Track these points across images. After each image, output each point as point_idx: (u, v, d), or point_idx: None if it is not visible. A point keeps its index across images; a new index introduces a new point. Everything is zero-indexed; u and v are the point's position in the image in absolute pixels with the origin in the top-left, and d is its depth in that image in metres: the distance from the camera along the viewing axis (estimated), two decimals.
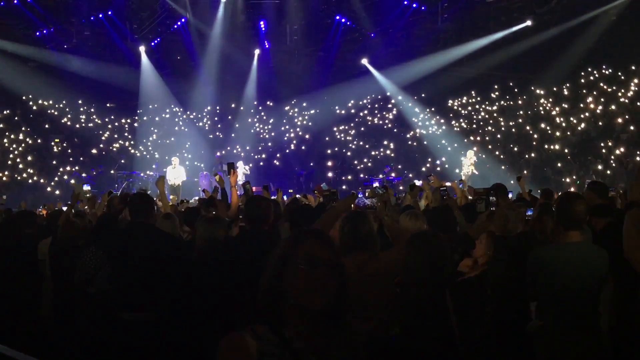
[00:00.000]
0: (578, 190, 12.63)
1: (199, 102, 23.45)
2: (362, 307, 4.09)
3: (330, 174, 21.85)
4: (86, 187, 8.93)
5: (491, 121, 22.27)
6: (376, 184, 16.98)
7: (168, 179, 17.86)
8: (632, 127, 18.81)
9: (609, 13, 19.91)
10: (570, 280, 3.97)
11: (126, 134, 22.84)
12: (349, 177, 21.40)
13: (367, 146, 23.40)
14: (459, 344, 4.47)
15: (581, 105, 20.41)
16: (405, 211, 5.71)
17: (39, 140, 20.68)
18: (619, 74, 20.34)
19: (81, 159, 21.13)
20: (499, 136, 21.62)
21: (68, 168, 20.31)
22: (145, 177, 19.36)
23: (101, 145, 21.89)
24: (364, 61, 23.26)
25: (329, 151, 23.14)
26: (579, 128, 19.96)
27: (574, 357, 3.97)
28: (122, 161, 21.06)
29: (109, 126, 22.61)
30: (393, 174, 19.78)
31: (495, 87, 22.92)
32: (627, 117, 19.16)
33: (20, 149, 19.92)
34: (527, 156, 20.25)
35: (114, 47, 21.75)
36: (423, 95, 23.26)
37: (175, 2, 21.10)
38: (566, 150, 19.44)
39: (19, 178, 19.08)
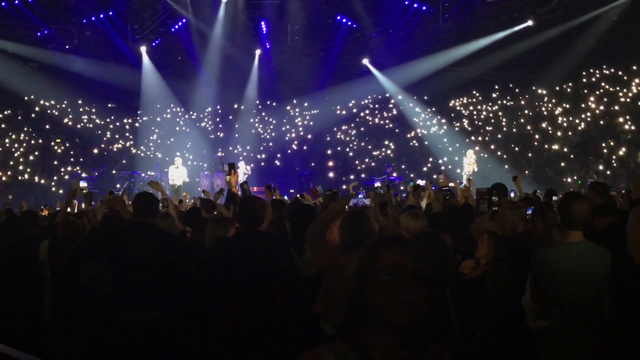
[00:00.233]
0: (579, 190, 12.62)
1: (200, 102, 23.45)
2: None
3: (331, 174, 21.85)
4: (83, 184, 8.90)
5: (492, 121, 22.27)
6: (378, 184, 16.98)
7: (171, 179, 17.88)
8: (632, 127, 18.81)
9: (610, 13, 19.89)
10: (573, 279, 3.97)
11: (127, 134, 22.85)
12: (351, 177, 21.39)
13: (368, 146, 23.41)
14: (460, 344, 4.47)
15: (582, 105, 20.40)
16: (406, 211, 5.71)
17: (40, 141, 20.70)
18: (620, 73, 20.33)
19: (81, 159, 21.14)
20: (500, 136, 21.62)
21: (69, 168, 20.34)
22: (147, 177, 19.37)
23: (102, 146, 21.90)
24: (365, 61, 23.26)
25: (329, 151, 23.15)
26: (580, 128, 19.96)
27: (580, 357, 3.96)
28: (124, 161, 21.07)
29: (111, 126, 22.62)
30: (394, 174, 19.78)
31: (496, 87, 22.92)
32: (627, 117, 19.16)
33: (22, 149, 19.94)
34: (529, 155, 20.24)
35: (115, 47, 21.74)
36: (424, 95, 23.26)
37: (176, 2, 21.10)
38: (565, 150, 19.44)
39: (20, 178, 19.10)
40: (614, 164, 18.21)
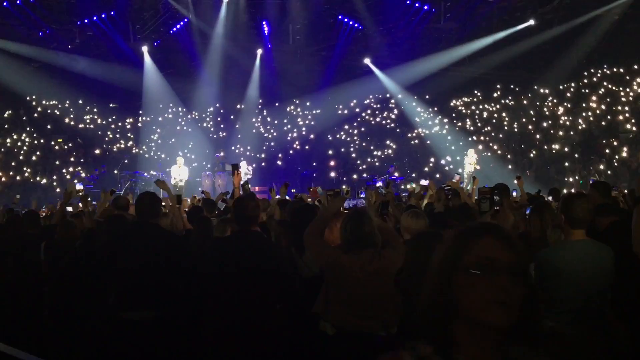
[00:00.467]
0: (581, 190, 12.60)
1: (202, 102, 23.48)
2: (365, 306, 4.10)
3: (332, 174, 21.84)
4: (79, 186, 8.92)
5: (494, 121, 22.25)
6: (379, 184, 16.97)
7: (173, 178, 17.90)
8: (634, 128, 18.78)
9: (611, 12, 19.87)
10: (577, 277, 3.96)
11: (129, 134, 22.87)
12: (354, 177, 21.38)
13: (370, 146, 23.40)
14: None
15: (584, 104, 20.38)
16: (407, 210, 5.71)
17: (42, 141, 20.72)
18: (622, 72, 20.30)
19: (82, 160, 21.16)
20: (501, 136, 21.60)
21: (71, 169, 20.35)
22: (149, 177, 19.38)
23: (104, 146, 21.93)
24: (367, 61, 23.25)
25: (331, 151, 23.14)
26: (582, 127, 19.94)
27: (585, 358, 3.94)
28: (126, 161, 21.08)
29: (112, 126, 22.64)
30: (396, 174, 19.76)
31: (498, 86, 22.90)
32: (627, 116, 19.13)
33: (24, 149, 19.97)
34: (531, 155, 20.21)
35: (116, 47, 21.74)
36: (426, 94, 23.26)
37: (177, 2, 21.09)
38: (566, 149, 19.42)
39: (18, 179, 19.10)
40: (616, 164, 18.18)
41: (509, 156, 20.72)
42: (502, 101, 22.59)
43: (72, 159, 20.80)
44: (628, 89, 19.73)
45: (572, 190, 13.39)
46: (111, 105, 23.01)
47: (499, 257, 1.59)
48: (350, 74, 23.68)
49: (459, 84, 22.85)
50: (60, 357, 5.55)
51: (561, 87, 21.51)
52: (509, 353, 1.62)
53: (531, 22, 20.51)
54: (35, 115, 21.37)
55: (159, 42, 22.31)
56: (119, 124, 22.90)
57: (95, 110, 22.46)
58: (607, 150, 18.62)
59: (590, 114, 20.00)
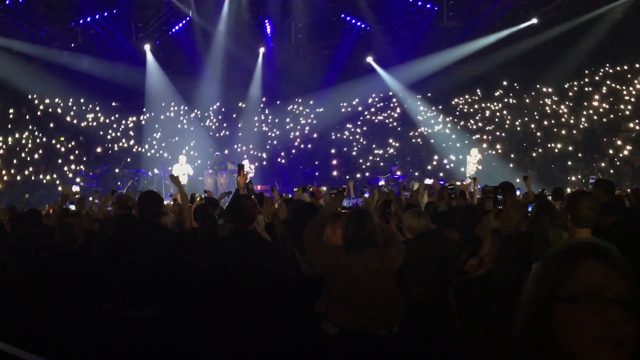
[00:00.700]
0: (583, 189, 12.58)
1: (204, 101, 23.50)
2: (367, 305, 4.09)
3: (335, 173, 21.84)
4: (75, 188, 8.94)
5: (496, 119, 22.22)
6: (382, 183, 16.96)
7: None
8: (637, 127, 18.75)
9: (614, 11, 19.84)
10: None
11: (131, 133, 22.88)
12: (357, 176, 21.36)
13: (372, 145, 23.38)
14: (463, 344, 4.45)
15: (586, 103, 20.35)
16: (409, 209, 5.70)
17: (44, 139, 20.73)
18: (625, 70, 20.26)
19: (84, 159, 21.17)
20: (504, 134, 21.57)
21: (73, 167, 20.37)
22: (151, 175, 19.39)
23: (107, 144, 21.95)
24: (370, 59, 23.22)
25: (334, 150, 23.13)
26: (584, 126, 19.91)
27: None
28: (128, 160, 21.10)
29: (115, 125, 22.66)
30: (398, 172, 19.75)
31: (501, 85, 22.86)
32: (629, 114, 19.09)
33: (27, 148, 19.99)
34: (534, 154, 20.18)
35: (119, 46, 21.77)
36: (429, 93, 23.23)
37: (179, 0, 21.11)
38: (570, 148, 19.39)
39: (18, 178, 19.12)
40: (618, 163, 18.16)
41: (512, 155, 20.69)
42: (505, 100, 22.56)
43: (72, 157, 20.77)
44: (631, 88, 19.70)
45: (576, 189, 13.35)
46: (113, 103, 23.03)
47: (607, 284, 1.33)
48: (353, 73, 23.67)
49: (461, 83, 22.82)
50: (63, 356, 5.55)
51: (564, 86, 21.48)
52: None
53: (534, 20, 20.47)
54: (38, 113, 21.38)
55: (161, 41, 22.32)
56: (122, 122, 22.91)
57: (97, 108, 22.46)
58: (610, 150, 18.58)
59: (593, 112, 19.96)
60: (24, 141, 20.10)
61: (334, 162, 22.59)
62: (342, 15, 22.37)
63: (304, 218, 5.11)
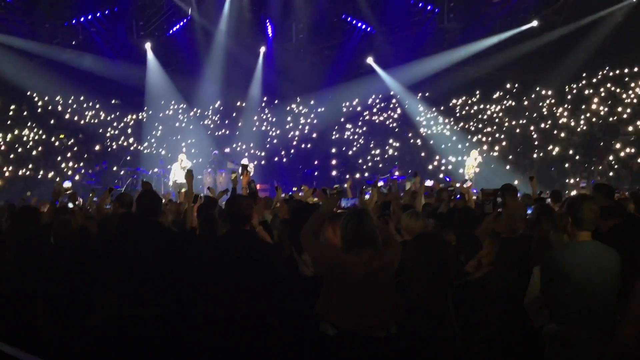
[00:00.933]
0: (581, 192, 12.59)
1: (204, 100, 23.49)
2: (365, 305, 4.10)
3: (334, 173, 21.84)
4: (67, 184, 8.93)
5: (496, 121, 22.23)
6: (381, 183, 16.96)
7: (173, 174, 17.91)
8: (633, 129, 18.76)
9: (615, 14, 19.84)
10: (585, 278, 3.96)
11: (131, 131, 22.88)
12: (357, 176, 21.36)
13: (371, 145, 23.38)
14: (461, 346, 4.47)
15: (585, 106, 20.35)
16: (407, 210, 5.71)
17: (44, 136, 20.73)
18: (626, 73, 20.26)
19: (86, 155, 21.17)
20: (503, 136, 21.58)
21: (71, 164, 20.36)
22: (150, 173, 19.39)
23: (106, 142, 21.96)
24: (370, 60, 23.23)
25: (334, 150, 23.13)
26: (583, 129, 19.92)
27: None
28: (128, 158, 21.08)
29: (114, 123, 22.66)
30: (397, 173, 19.76)
31: (501, 87, 22.87)
32: (627, 117, 19.10)
33: (29, 145, 19.99)
34: (534, 157, 20.17)
35: (120, 44, 21.77)
36: (428, 94, 23.24)
37: None
38: (571, 152, 19.40)
39: (20, 173, 19.12)
40: (616, 166, 18.17)
41: (510, 157, 20.69)
42: (505, 102, 22.56)
43: (68, 155, 20.73)
44: (630, 91, 19.71)
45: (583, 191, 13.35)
46: (114, 101, 23.02)
47: None
48: (353, 73, 23.66)
49: (461, 84, 22.79)
50: (63, 354, 5.56)
51: (563, 89, 21.48)
52: None
53: (534, 23, 20.49)
54: (39, 110, 21.37)
55: (162, 39, 22.31)
56: (122, 120, 22.90)
57: (97, 106, 22.45)
58: (611, 158, 18.57)
59: (592, 115, 19.96)
60: (24, 138, 20.09)
61: (334, 162, 22.59)
62: (343, 16, 22.37)
63: (302, 218, 5.12)
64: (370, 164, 22.70)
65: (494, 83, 22.87)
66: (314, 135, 23.80)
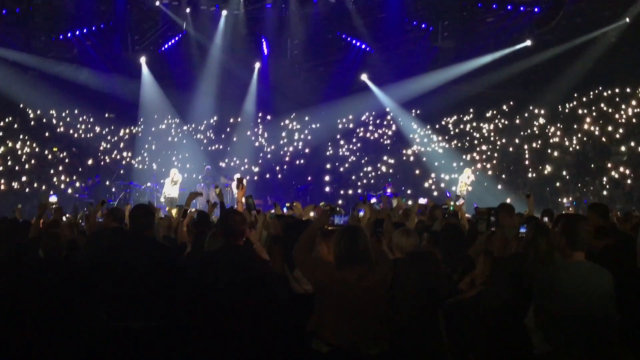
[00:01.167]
0: (575, 211, 12.60)
1: (198, 114, 23.46)
2: (358, 321, 4.07)
3: (327, 189, 21.81)
4: (53, 198, 8.91)
5: (490, 139, 22.29)
6: (374, 200, 16.93)
7: (165, 191, 17.82)
8: (625, 149, 18.86)
9: (608, 35, 20.04)
10: (579, 298, 3.93)
11: (125, 145, 22.81)
12: (349, 192, 21.33)
13: (364, 161, 23.38)
14: None
15: (577, 126, 20.45)
16: (399, 228, 5.69)
17: (37, 149, 20.65)
18: (617, 94, 20.40)
19: (80, 169, 21.08)
20: (496, 155, 21.63)
21: (62, 177, 20.24)
22: (143, 188, 19.30)
23: (100, 156, 21.88)
24: (364, 77, 23.32)
25: (328, 166, 23.11)
26: (575, 149, 20.00)
27: None
28: (121, 172, 21.00)
29: (108, 137, 22.60)
30: (389, 190, 19.75)
31: (494, 105, 22.96)
32: (619, 137, 19.21)
33: (21, 157, 19.91)
34: (529, 176, 20.19)
35: (114, 57, 21.79)
36: (421, 112, 23.29)
37: (176, 14, 21.18)
38: (564, 173, 19.45)
39: (15, 187, 19.01)
40: (608, 186, 18.23)
41: (503, 176, 20.72)
42: (497, 121, 22.64)
43: (61, 168, 20.61)
44: (622, 111, 19.83)
45: (569, 211, 13.34)
46: (107, 115, 22.98)
47: None
48: (348, 90, 23.73)
49: (455, 102, 22.89)
50: None
51: (556, 108, 21.59)
52: None
53: (528, 42, 20.67)
54: (32, 123, 21.32)
55: (157, 54, 22.35)
56: (115, 134, 22.84)
57: (91, 120, 22.41)
58: (605, 178, 18.61)
59: (583, 135, 20.06)
60: (19, 151, 20.00)
61: (327, 178, 22.57)
62: (338, 33, 22.48)
63: (294, 234, 5.09)
64: (364, 181, 22.67)
65: (487, 101, 22.96)
66: (308, 151, 23.79)
